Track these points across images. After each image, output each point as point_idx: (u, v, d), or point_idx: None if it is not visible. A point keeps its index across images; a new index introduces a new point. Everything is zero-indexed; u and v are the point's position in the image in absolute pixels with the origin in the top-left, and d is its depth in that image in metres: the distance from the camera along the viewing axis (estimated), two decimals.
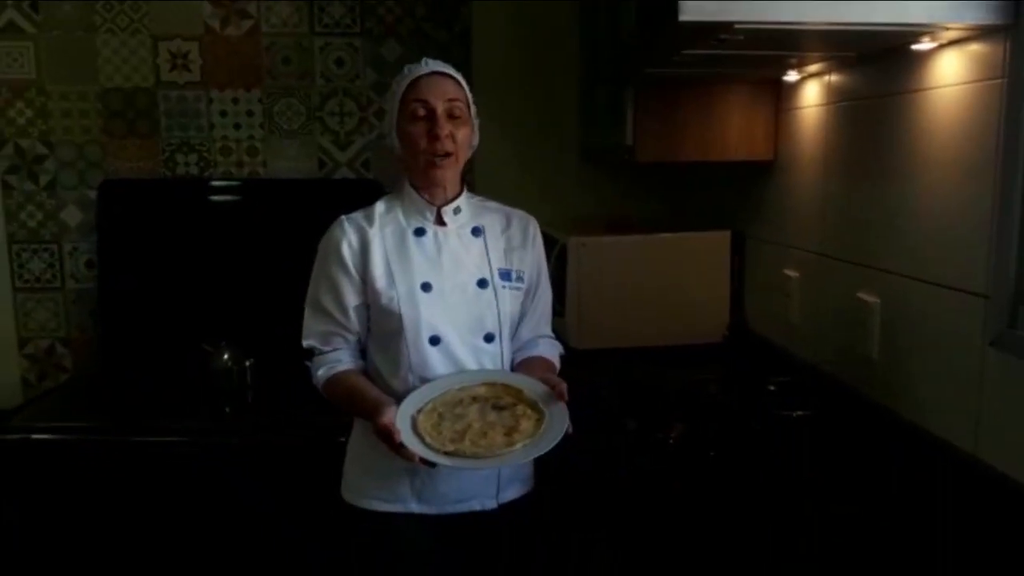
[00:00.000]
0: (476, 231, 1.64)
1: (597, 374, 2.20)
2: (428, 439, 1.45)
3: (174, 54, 2.83)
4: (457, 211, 1.63)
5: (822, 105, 1.96)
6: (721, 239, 2.44)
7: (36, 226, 2.85)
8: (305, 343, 1.65)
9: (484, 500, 1.62)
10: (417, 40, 2.87)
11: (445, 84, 1.57)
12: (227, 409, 2.49)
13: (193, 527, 2.27)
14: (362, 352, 1.67)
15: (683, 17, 1.26)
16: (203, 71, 2.84)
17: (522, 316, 1.69)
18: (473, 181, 2.94)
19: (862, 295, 1.73)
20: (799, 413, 1.73)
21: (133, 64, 2.82)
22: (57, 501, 2.24)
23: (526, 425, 1.47)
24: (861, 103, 1.78)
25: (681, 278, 2.43)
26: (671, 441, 1.70)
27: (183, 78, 2.84)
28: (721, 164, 2.32)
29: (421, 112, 1.55)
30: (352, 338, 1.64)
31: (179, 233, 2.85)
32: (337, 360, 1.63)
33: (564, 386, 1.51)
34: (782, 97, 2.18)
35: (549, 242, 2.55)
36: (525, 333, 1.70)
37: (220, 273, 2.83)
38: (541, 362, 1.66)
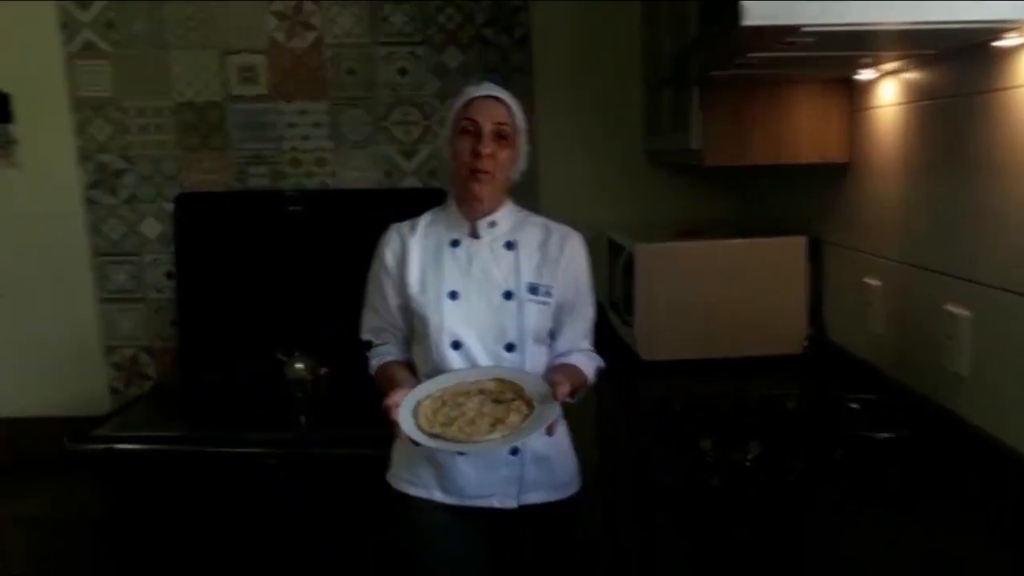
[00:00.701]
0: (509, 244, 1.75)
1: (667, 387, 2.14)
2: (421, 421, 1.58)
3: (242, 68, 2.88)
4: (493, 224, 1.75)
5: (900, 104, 1.84)
6: (796, 245, 2.33)
7: (118, 239, 2.95)
8: (363, 336, 1.85)
9: (504, 499, 1.73)
10: (478, 47, 2.85)
11: (496, 108, 1.70)
12: (302, 419, 2.53)
13: (268, 537, 2.31)
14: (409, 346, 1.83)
15: (746, 21, 1.19)
16: (271, 84, 2.89)
17: (559, 328, 1.79)
18: (538, 189, 2.91)
19: (950, 307, 1.62)
20: (884, 435, 1.62)
21: (204, 79, 2.89)
22: (137, 510, 2.32)
23: (513, 419, 1.57)
24: (942, 102, 1.66)
25: (755, 286, 2.33)
26: (747, 463, 1.61)
27: (252, 91, 2.89)
28: (794, 167, 2.22)
29: (470, 129, 1.69)
30: (399, 333, 1.82)
31: (252, 244, 2.91)
32: (387, 352, 1.81)
33: (565, 388, 1.61)
34: (856, 96, 2.06)
35: (616, 250, 2.51)
36: (561, 344, 1.80)
37: (293, 282, 2.87)
38: (568, 368, 1.74)
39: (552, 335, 1.80)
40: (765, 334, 2.32)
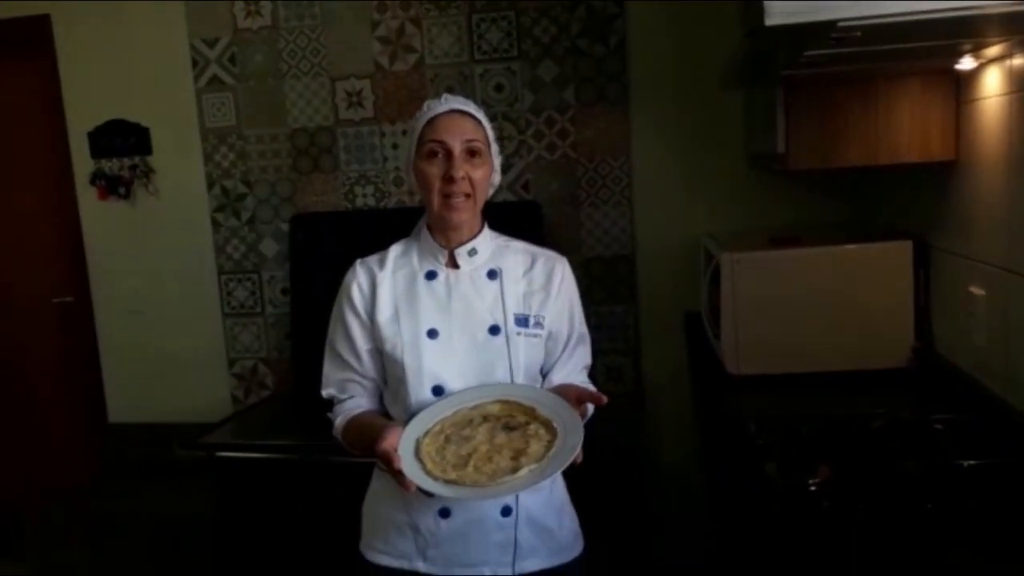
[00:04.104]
0: (492, 274, 1.55)
1: (752, 404, 2.04)
2: (430, 465, 1.35)
3: (349, 93, 3.02)
4: (473, 252, 1.55)
5: (1006, 94, 1.67)
6: (901, 250, 2.16)
7: (240, 258, 3.17)
8: (324, 393, 1.60)
9: (497, 567, 1.51)
10: (573, 58, 2.85)
11: (463, 123, 1.51)
12: None
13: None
14: (381, 398, 1.61)
15: (770, 21, 1.13)
16: (375, 107, 3.01)
17: (554, 364, 1.59)
18: (632, 198, 2.87)
19: None
20: (971, 462, 1.47)
21: (315, 105, 3.05)
22: (238, 513, 2.48)
23: (535, 448, 1.36)
24: None
25: (856, 295, 2.18)
26: (812, 487, 1.51)
27: (358, 115, 3.03)
28: (902, 167, 2.06)
29: (438, 152, 1.49)
30: (368, 384, 1.58)
31: None
32: (355, 406, 1.57)
33: (588, 394, 1.44)
34: (961, 88, 1.89)
35: (709, 258, 2.43)
36: (557, 380, 1.58)
37: None
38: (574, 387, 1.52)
39: (543, 372, 1.59)
40: (866, 347, 2.16)
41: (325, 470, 2.43)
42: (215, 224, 3.18)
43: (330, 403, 1.61)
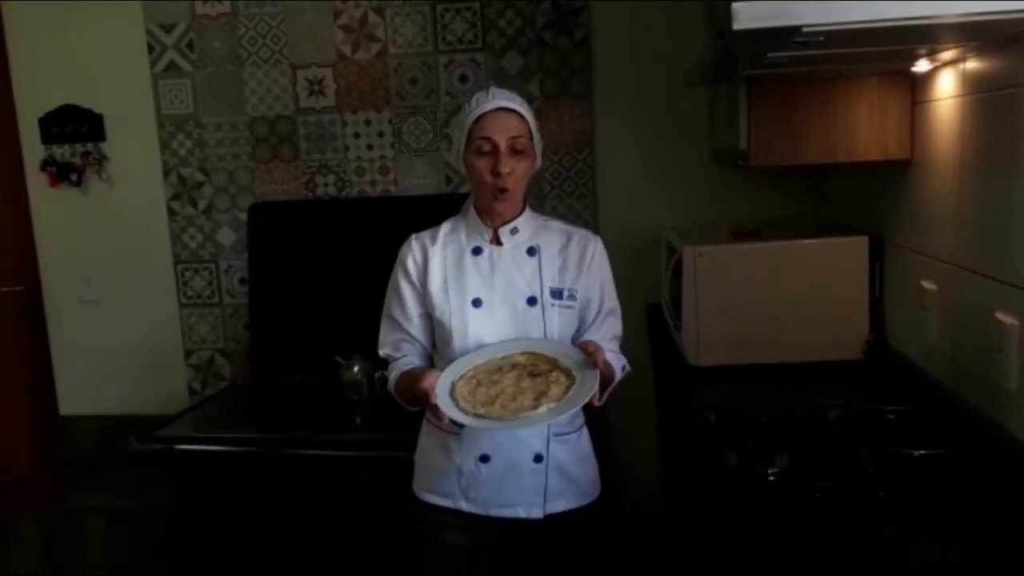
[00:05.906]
0: (531, 250, 1.74)
1: (712, 394, 2.08)
2: (462, 403, 1.56)
3: (311, 81, 2.98)
4: (514, 231, 1.74)
5: (958, 96, 1.72)
6: (857, 245, 2.22)
7: (196, 247, 3.12)
8: (381, 352, 1.81)
9: (530, 508, 1.72)
10: (537, 50, 2.85)
11: (509, 121, 1.67)
12: (357, 420, 2.61)
13: (317, 534, 2.39)
14: (431, 361, 1.80)
15: (737, 25, 1.15)
16: (337, 96, 2.98)
17: (585, 332, 1.76)
18: (596, 191, 2.89)
19: (1000, 315, 1.50)
20: (921, 452, 1.53)
21: (275, 93, 3.01)
22: (197, 504, 2.45)
23: (555, 390, 1.57)
24: (1001, 93, 1.54)
25: (813, 288, 2.23)
26: (771, 477, 1.55)
27: (319, 103, 2.99)
28: (860, 164, 2.11)
29: (486, 148, 1.67)
30: (419, 346, 1.78)
31: (320, 250, 3.01)
32: (407, 363, 1.76)
33: (601, 354, 1.60)
34: (917, 89, 1.94)
35: (671, 252, 2.46)
36: None
37: (357, 286, 2.94)
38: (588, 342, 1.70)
39: (574, 340, 1.76)
40: (823, 339, 2.21)
41: (284, 462, 2.42)
42: (171, 213, 3.12)
43: (386, 363, 1.81)
